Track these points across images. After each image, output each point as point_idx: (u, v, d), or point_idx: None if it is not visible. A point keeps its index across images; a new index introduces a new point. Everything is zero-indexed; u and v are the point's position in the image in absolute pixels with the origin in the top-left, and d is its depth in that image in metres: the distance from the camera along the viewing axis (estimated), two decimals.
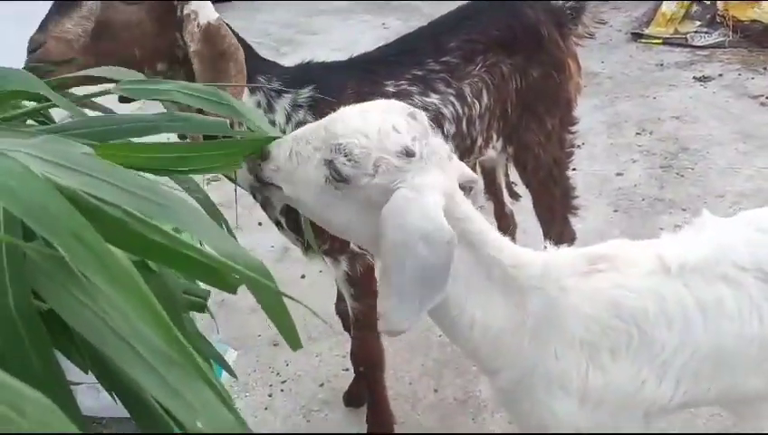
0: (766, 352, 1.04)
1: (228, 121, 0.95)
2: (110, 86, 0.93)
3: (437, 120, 1.70)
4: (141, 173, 0.76)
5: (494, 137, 1.89)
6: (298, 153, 0.97)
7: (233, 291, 0.68)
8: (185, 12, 1.39)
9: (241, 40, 1.58)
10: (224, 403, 0.54)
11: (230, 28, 1.54)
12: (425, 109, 1.67)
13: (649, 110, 3.68)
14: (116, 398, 0.63)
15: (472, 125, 1.79)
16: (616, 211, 2.86)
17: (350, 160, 0.93)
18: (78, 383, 0.77)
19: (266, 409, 2.08)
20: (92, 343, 0.52)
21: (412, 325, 0.92)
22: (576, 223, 2.80)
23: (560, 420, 1.03)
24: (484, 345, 1.06)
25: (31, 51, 1.34)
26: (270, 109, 1.57)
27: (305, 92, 1.56)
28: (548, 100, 1.87)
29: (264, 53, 5.48)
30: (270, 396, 2.12)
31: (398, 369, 2.13)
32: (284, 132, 1.57)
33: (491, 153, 1.92)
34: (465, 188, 1.06)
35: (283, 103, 1.56)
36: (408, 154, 0.94)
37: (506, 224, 2.36)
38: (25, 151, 0.64)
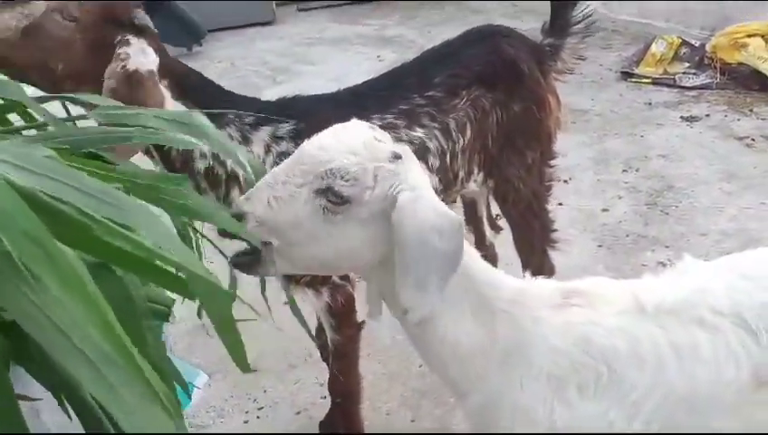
0: (743, 398, 1.03)
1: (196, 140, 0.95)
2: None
3: (423, 154, 1.72)
4: None
5: (476, 170, 1.91)
6: (278, 198, 0.97)
7: (191, 297, 0.68)
8: (118, 51, 1.41)
9: (208, 82, 1.60)
10: (162, 407, 0.53)
11: (191, 73, 1.57)
12: (410, 142, 1.69)
13: (637, 147, 3.72)
14: (66, 404, 0.63)
15: (455, 159, 1.81)
16: (600, 246, 2.87)
17: (348, 180, 0.95)
18: (36, 399, 0.76)
19: None
20: (40, 344, 0.52)
21: (431, 310, 0.97)
22: (560, 257, 2.81)
23: None
24: (453, 364, 1.06)
25: None
26: (245, 141, 1.58)
27: (288, 124, 1.58)
28: (528, 134, 1.90)
29: (260, 81, 5.55)
30: (246, 423, 2.09)
31: (375, 399, 2.11)
32: (264, 163, 1.59)
33: (472, 186, 1.94)
34: None
35: (261, 135, 1.57)
36: (397, 157, 0.98)
37: (487, 255, 2.35)
38: None
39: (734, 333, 1.03)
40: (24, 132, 0.90)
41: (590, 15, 1.97)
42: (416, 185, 0.97)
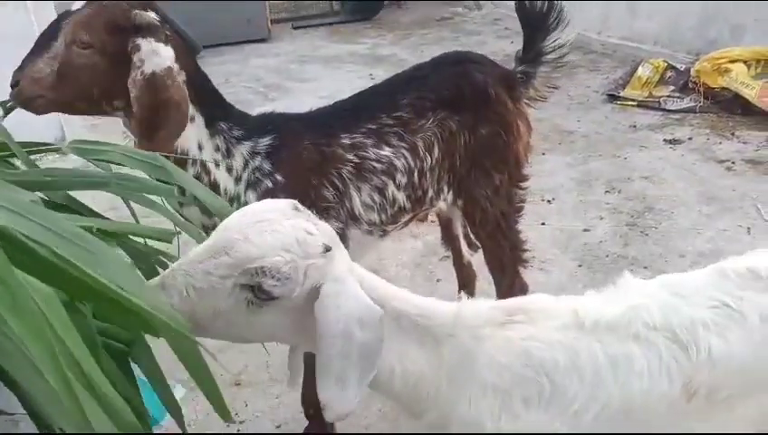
0: (677, 408, 1.09)
1: (175, 189, 1.02)
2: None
3: (390, 171, 1.80)
4: None
5: (445, 189, 1.98)
6: (197, 288, 0.93)
7: (156, 335, 0.74)
8: (133, 59, 1.48)
9: (210, 89, 1.68)
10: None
11: (198, 74, 1.64)
12: (378, 160, 1.77)
13: (620, 169, 3.80)
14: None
15: (423, 177, 1.89)
16: (580, 266, 2.94)
17: (279, 280, 0.92)
18: (12, 414, 0.81)
19: None
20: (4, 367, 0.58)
21: (354, 408, 0.96)
22: (540, 276, 2.89)
23: None
24: (404, 393, 1.10)
25: (11, 86, 1.47)
26: (228, 153, 1.66)
27: (265, 140, 1.66)
28: (495, 156, 1.96)
29: (253, 97, 5.63)
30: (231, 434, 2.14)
31: (354, 414, 2.15)
32: (240, 178, 1.66)
33: (442, 205, 2.01)
34: None
35: (241, 149, 1.65)
36: (327, 250, 0.97)
37: (465, 274, 2.43)
38: None
39: (667, 347, 1.09)
40: (12, 171, 0.97)
41: (561, 46, 2.04)
42: (339, 275, 0.96)
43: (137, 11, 1.49)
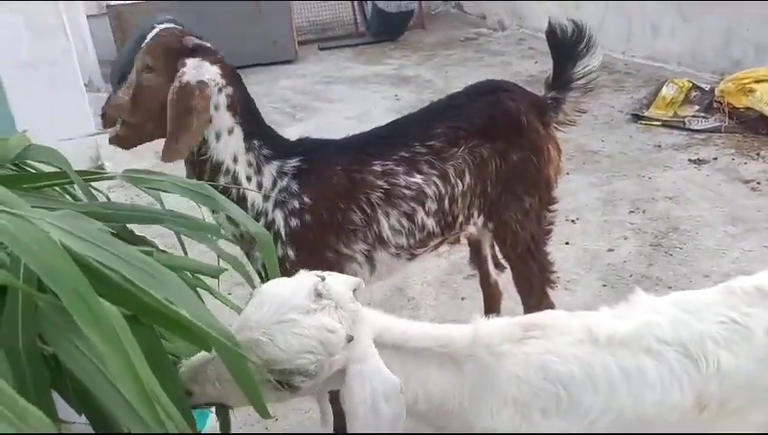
0: (688, 419, 1.14)
1: (221, 228, 1.10)
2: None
3: (419, 198, 1.87)
4: None
5: (476, 214, 2.04)
6: (228, 380, 0.96)
7: (208, 350, 0.81)
8: (177, 73, 1.66)
9: (251, 108, 1.80)
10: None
11: (242, 93, 1.78)
12: (408, 188, 1.84)
13: (644, 189, 3.83)
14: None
15: (454, 203, 1.95)
16: (604, 286, 2.97)
17: (306, 376, 1.00)
18: (70, 422, 0.89)
19: None
20: (82, 381, 0.65)
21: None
22: (565, 296, 2.92)
23: None
24: (430, 412, 1.17)
25: (102, 115, 1.75)
26: (258, 171, 1.78)
27: (292, 162, 1.76)
28: (526, 181, 2.03)
29: (280, 118, 5.76)
30: None
31: None
32: (267, 196, 1.76)
33: (471, 229, 2.07)
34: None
35: (270, 168, 1.76)
36: (350, 341, 1.03)
37: (491, 293, 2.47)
38: (49, 221, 0.80)
39: (678, 360, 1.15)
40: (77, 202, 1.05)
41: (591, 72, 2.09)
42: (362, 355, 1.03)
43: (188, 36, 1.72)
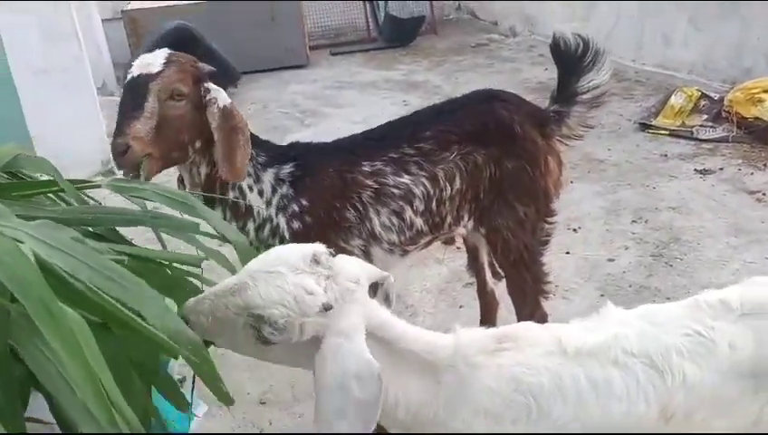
0: (654, 430, 1.16)
1: (199, 224, 1.13)
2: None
3: (407, 197, 1.91)
4: None
5: (466, 217, 2.07)
6: (217, 317, 1.06)
7: (175, 357, 0.84)
8: (207, 98, 1.70)
9: None
10: None
11: None
12: (396, 187, 1.88)
13: (648, 199, 3.82)
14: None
15: (442, 205, 1.99)
16: (602, 296, 2.97)
17: (275, 329, 1.03)
18: (48, 422, 0.92)
19: None
20: (41, 382, 0.69)
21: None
22: (562, 305, 2.93)
23: None
24: (407, 420, 1.19)
25: (120, 153, 1.64)
26: (258, 180, 1.83)
27: (287, 168, 1.81)
28: (520, 190, 2.04)
29: (289, 123, 5.80)
30: None
31: None
32: (269, 202, 1.82)
33: (461, 231, 2.10)
34: (378, 284, 1.23)
35: (268, 176, 1.82)
36: (327, 309, 1.06)
37: (487, 302, 2.49)
38: (24, 231, 0.83)
39: (644, 372, 1.16)
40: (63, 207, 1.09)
41: (597, 87, 2.10)
42: (344, 329, 1.05)
43: (200, 63, 1.75)
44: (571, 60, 2.04)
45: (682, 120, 4.79)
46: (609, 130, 4.91)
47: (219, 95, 1.73)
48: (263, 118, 5.90)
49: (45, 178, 1.24)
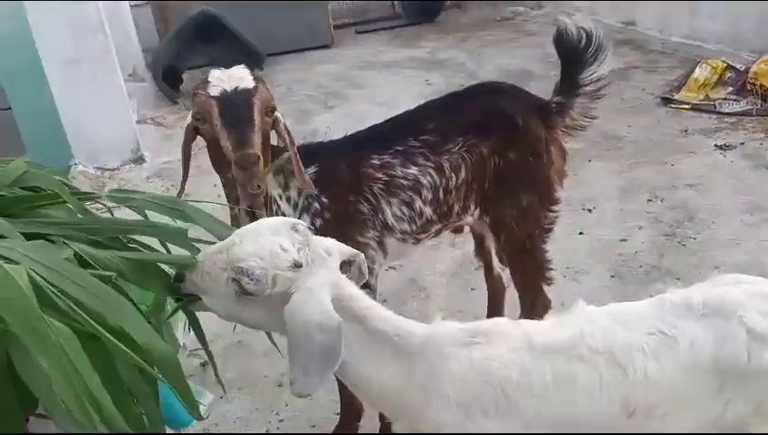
0: (617, 424, 1.22)
1: (187, 230, 1.23)
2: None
3: (416, 188, 1.99)
4: None
5: (472, 206, 2.13)
6: (208, 273, 1.21)
7: (151, 365, 0.94)
8: (274, 115, 1.79)
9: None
10: None
11: None
12: (405, 178, 1.96)
13: (665, 176, 3.80)
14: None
15: (449, 194, 2.05)
16: (613, 277, 3.00)
17: (252, 280, 1.17)
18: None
19: None
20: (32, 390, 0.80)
21: (317, 390, 1.17)
22: (572, 286, 2.98)
23: None
24: (381, 399, 1.29)
25: (251, 162, 1.66)
26: (287, 187, 1.91)
27: (311, 170, 1.91)
28: (523, 180, 2.10)
29: (312, 106, 5.87)
30: (266, 432, 2.37)
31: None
32: (296, 206, 1.92)
33: (469, 219, 2.16)
34: (350, 262, 1.33)
35: (294, 182, 1.89)
36: (297, 266, 1.19)
37: (494, 286, 2.55)
38: (21, 251, 0.94)
39: (607, 368, 1.22)
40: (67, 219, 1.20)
41: (599, 79, 2.12)
42: (312, 288, 1.17)
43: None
44: (575, 52, 2.07)
45: (706, 94, 4.72)
46: (631, 106, 4.87)
47: (278, 114, 1.82)
48: (288, 101, 5.99)
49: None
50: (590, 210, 3.58)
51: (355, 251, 1.37)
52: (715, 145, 4.08)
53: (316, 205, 1.93)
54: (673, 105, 4.73)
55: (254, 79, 1.75)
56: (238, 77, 1.72)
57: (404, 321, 1.29)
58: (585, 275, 3.05)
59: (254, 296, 1.19)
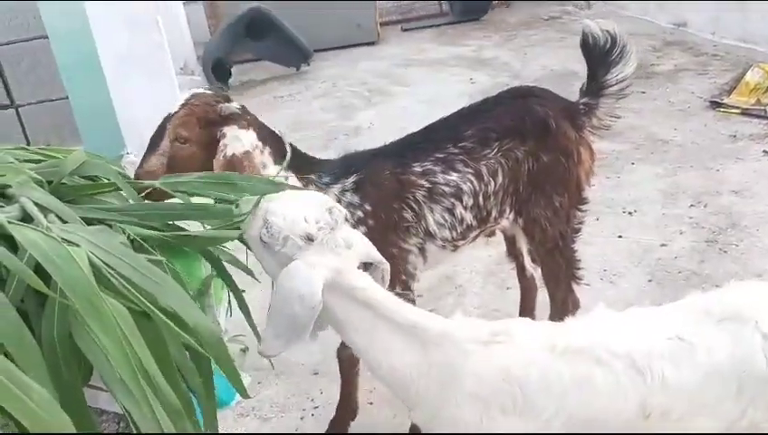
0: (632, 426, 1.25)
1: (232, 209, 1.31)
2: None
3: (457, 194, 2.03)
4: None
5: (507, 210, 2.17)
6: (255, 217, 1.32)
7: (202, 346, 1.01)
8: (219, 145, 1.80)
9: (297, 152, 1.96)
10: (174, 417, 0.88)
11: (278, 141, 1.91)
12: (446, 185, 2.00)
13: (710, 182, 3.75)
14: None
15: (487, 199, 2.09)
16: (650, 281, 2.99)
17: (268, 232, 1.28)
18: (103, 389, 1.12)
19: (296, 429, 2.41)
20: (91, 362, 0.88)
21: (280, 353, 1.28)
22: (609, 289, 2.98)
23: None
24: (393, 383, 1.35)
25: (135, 177, 1.77)
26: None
27: (350, 179, 1.95)
28: (556, 181, 2.13)
29: (357, 102, 5.95)
30: (302, 419, 2.45)
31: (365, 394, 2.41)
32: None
33: (504, 223, 2.20)
34: (372, 265, 1.40)
35: (333, 190, 1.94)
36: (309, 239, 1.27)
37: (526, 286, 2.58)
38: (82, 235, 1.02)
39: (625, 372, 1.25)
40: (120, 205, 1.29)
41: (624, 79, 2.15)
42: (313, 263, 1.25)
43: (222, 104, 1.82)
44: (600, 54, 2.11)
45: (757, 98, 4.62)
46: (678, 109, 4.80)
47: (233, 142, 1.79)
48: (332, 96, 6.09)
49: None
50: (630, 213, 3.56)
51: (383, 259, 1.42)
52: (764, 151, 3.99)
53: (359, 213, 1.96)
54: (722, 109, 4.64)
55: (184, 105, 1.80)
56: (179, 100, 1.82)
57: (420, 312, 1.35)
58: (622, 277, 3.05)
59: (267, 247, 1.30)
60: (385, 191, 1.99)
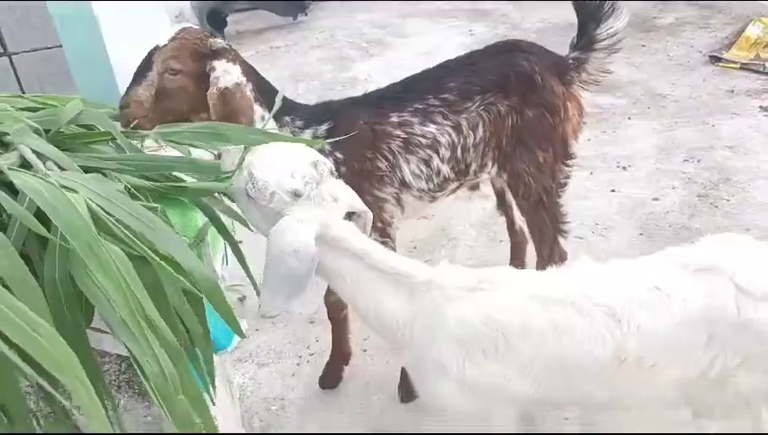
0: (608, 372, 1.30)
1: (219, 165, 1.33)
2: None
3: (434, 146, 2.04)
4: None
5: (489, 164, 2.18)
6: (236, 165, 1.34)
7: (195, 287, 1.05)
8: (211, 78, 1.81)
9: (271, 89, 1.96)
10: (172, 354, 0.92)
11: (260, 79, 1.94)
12: (423, 136, 2.02)
13: (705, 137, 3.77)
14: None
15: (466, 152, 2.11)
16: (641, 235, 3.04)
17: (254, 188, 1.30)
18: (104, 331, 1.16)
19: (293, 375, 2.49)
20: (92, 302, 0.92)
21: (281, 311, 1.32)
22: (600, 242, 3.03)
23: (443, 397, 1.35)
24: (381, 329, 1.40)
25: (120, 108, 1.81)
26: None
27: (323, 127, 1.95)
28: (540, 136, 2.14)
29: (354, 53, 5.88)
30: (298, 365, 2.53)
31: (359, 342, 2.51)
32: None
33: (486, 177, 2.23)
34: (356, 214, 1.43)
35: (305, 135, 1.95)
36: (296, 195, 1.29)
37: (516, 240, 2.63)
38: (80, 182, 1.05)
39: (603, 319, 1.31)
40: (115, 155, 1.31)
41: (615, 33, 2.14)
42: (302, 218, 1.27)
43: (211, 39, 1.84)
44: (591, 7, 2.08)
45: (756, 53, 4.59)
46: (677, 63, 4.77)
47: (224, 75, 1.81)
48: (330, 47, 6.03)
49: None
50: (624, 168, 3.59)
51: (366, 209, 1.45)
52: (760, 106, 4.00)
53: (330, 160, 1.91)
54: (721, 64, 4.62)
55: (173, 39, 1.79)
56: (164, 35, 1.81)
57: (406, 260, 1.39)
58: (613, 231, 3.10)
59: (254, 201, 1.32)
60: (358, 140, 1.98)
